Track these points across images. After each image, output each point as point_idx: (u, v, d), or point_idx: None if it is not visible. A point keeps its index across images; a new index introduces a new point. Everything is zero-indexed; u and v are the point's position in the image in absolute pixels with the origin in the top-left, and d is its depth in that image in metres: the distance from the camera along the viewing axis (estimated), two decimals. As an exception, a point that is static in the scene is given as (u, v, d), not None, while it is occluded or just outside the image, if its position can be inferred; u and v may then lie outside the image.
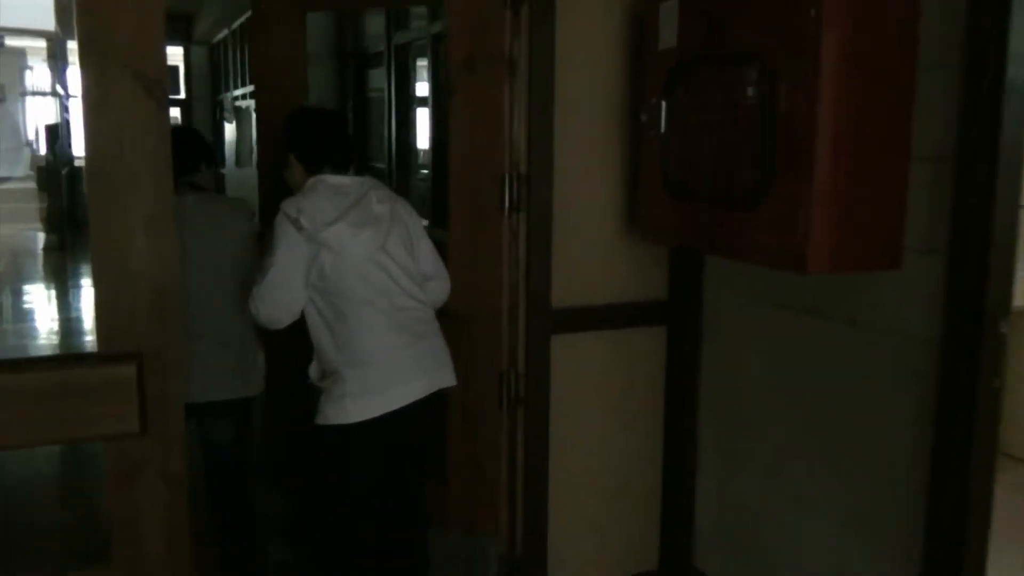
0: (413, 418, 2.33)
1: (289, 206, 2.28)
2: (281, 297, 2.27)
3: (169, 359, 1.82)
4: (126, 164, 1.75)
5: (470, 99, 2.68)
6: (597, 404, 2.83)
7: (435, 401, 2.42)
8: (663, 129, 2.41)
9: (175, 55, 13.48)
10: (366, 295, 2.29)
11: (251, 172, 7.05)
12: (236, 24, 10.13)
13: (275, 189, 2.70)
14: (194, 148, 2.72)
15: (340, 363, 2.28)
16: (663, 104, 2.40)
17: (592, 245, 2.75)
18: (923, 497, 2.01)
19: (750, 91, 2.08)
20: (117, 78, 1.74)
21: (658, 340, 2.88)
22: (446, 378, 2.45)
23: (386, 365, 2.29)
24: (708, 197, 2.27)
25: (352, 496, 2.40)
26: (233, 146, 10.94)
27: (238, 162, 10.52)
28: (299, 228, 2.23)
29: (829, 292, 2.27)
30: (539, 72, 2.58)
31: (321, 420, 2.30)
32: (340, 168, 2.40)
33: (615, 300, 2.79)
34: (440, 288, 2.56)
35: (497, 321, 2.72)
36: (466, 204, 2.76)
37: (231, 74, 11.11)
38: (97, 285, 1.79)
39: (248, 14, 9.08)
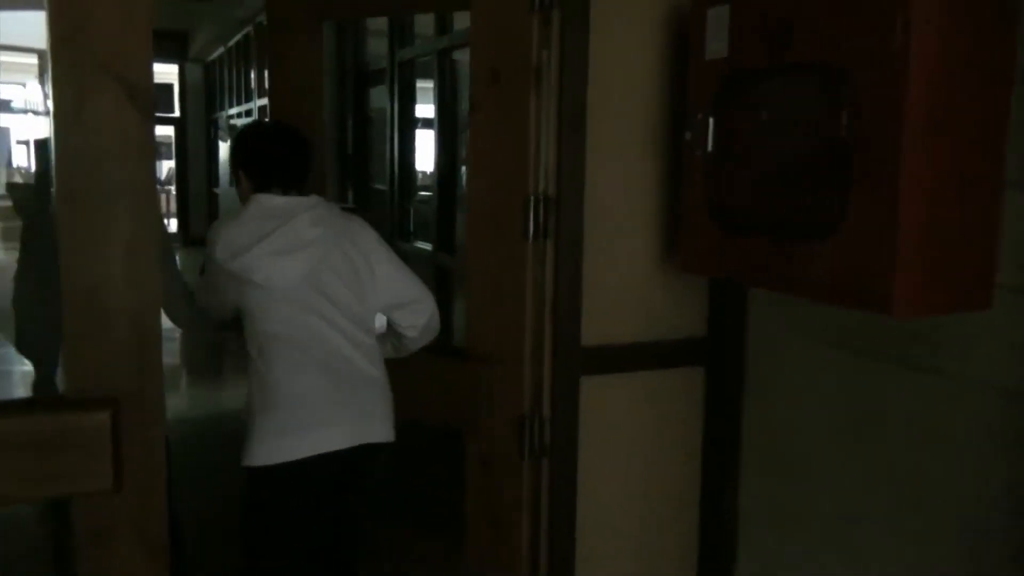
0: (330, 471, 2.13)
1: (210, 230, 2.13)
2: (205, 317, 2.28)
3: (149, 405, 1.55)
4: (104, 183, 1.48)
5: (493, 114, 2.42)
6: (628, 455, 2.55)
7: (367, 457, 2.19)
8: (710, 148, 2.16)
9: (169, 73, 13.27)
10: (290, 335, 2.06)
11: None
12: (232, 42, 9.92)
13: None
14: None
15: (256, 402, 2.08)
16: (710, 121, 2.15)
17: (626, 276, 2.48)
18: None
19: (821, 107, 1.83)
20: (96, 83, 1.47)
21: (695, 383, 2.61)
22: (377, 432, 2.19)
23: (304, 409, 2.07)
24: (764, 224, 2.01)
25: (270, 542, 2.18)
26: (227, 165, 10.73)
27: (232, 181, 10.28)
28: (212, 258, 2.08)
29: (901, 333, 2.01)
30: (570, 85, 2.33)
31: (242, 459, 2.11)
32: (288, 187, 2.14)
33: (650, 338, 2.53)
34: (421, 311, 2.30)
35: (519, 361, 2.44)
36: (486, 230, 2.49)
37: (227, 92, 10.91)
38: (67, 320, 1.52)
39: (246, 30, 8.90)
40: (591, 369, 2.44)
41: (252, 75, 9.03)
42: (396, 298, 2.23)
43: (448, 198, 4.55)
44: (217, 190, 11.71)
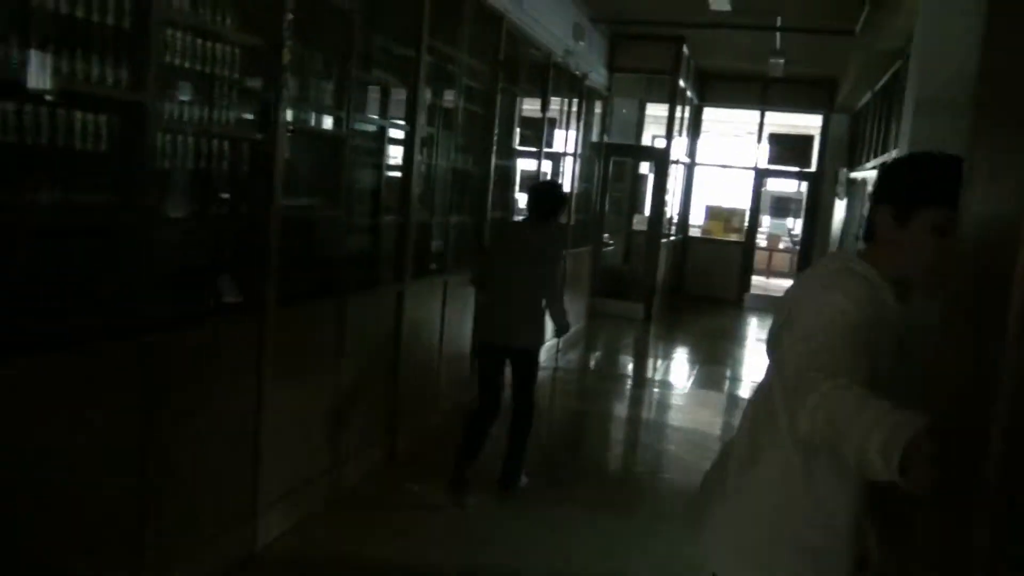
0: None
1: None
2: None
3: None
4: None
5: None
6: None
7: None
8: None
9: (813, 123, 12.36)
10: None
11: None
12: (880, 84, 8.41)
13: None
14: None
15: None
16: None
17: None
18: None
19: None
20: None
21: None
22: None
23: None
24: None
25: None
26: (840, 225, 9.25)
27: (842, 243, 8.76)
28: None
29: None
30: None
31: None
32: None
33: None
34: None
35: None
36: None
37: (868, 145, 9.43)
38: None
39: (895, 67, 7.32)
40: None
41: (895, 123, 7.40)
42: None
43: None
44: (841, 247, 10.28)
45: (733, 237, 12.56)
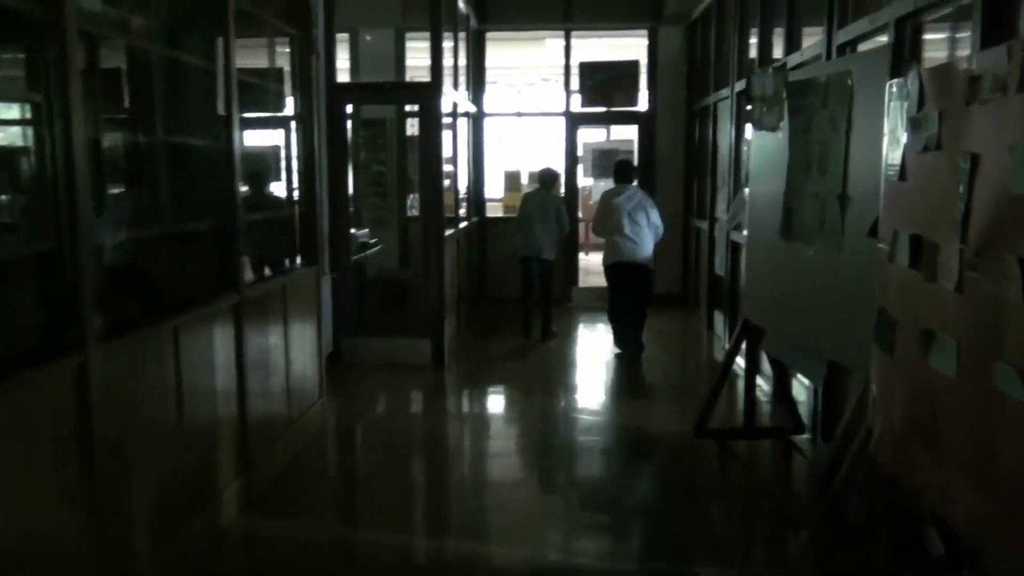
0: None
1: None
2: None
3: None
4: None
5: None
6: None
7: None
8: None
9: (637, 44, 9.01)
10: None
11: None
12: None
13: None
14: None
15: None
16: None
17: None
18: None
19: None
20: None
21: None
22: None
23: None
24: None
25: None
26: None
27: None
28: None
29: None
30: None
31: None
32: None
33: None
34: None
35: None
36: None
37: (721, 63, 6.10)
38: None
39: None
40: None
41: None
42: None
43: None
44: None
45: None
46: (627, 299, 6.51)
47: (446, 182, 7.06)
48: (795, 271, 3.55)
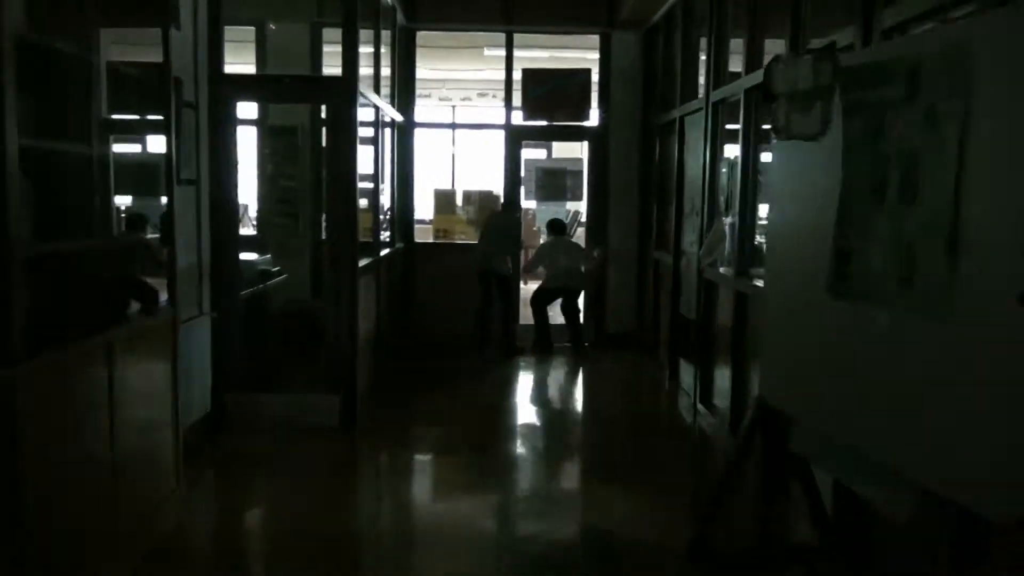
0: None
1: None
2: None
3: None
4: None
5: None
6: None
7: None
8: None
9: (587, 55, 7.96)
10: None
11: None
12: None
13: None
14: None
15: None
16: None
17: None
18: None
19: None
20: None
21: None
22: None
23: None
24: None
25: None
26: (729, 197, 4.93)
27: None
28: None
29: None
30: None
31: None
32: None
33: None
34: None
35: None
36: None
37: (683, 76, 5.08)
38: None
39: None
40: None
41: None
42: None
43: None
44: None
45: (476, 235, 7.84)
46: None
47: (363, 201, 5.85)
48: (854, 344, 2.43)
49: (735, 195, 4.72)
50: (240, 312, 5.00)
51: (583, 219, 12.16)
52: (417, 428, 5.40)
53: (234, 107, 4.96)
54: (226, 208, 4.90)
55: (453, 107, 13.96)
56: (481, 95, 14.18)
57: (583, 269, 7.61)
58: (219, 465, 4.45)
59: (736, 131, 4.83)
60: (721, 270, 5.18)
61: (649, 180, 7.64)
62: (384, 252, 6.62)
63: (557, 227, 7.69)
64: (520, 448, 5.09)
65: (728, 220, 5.13)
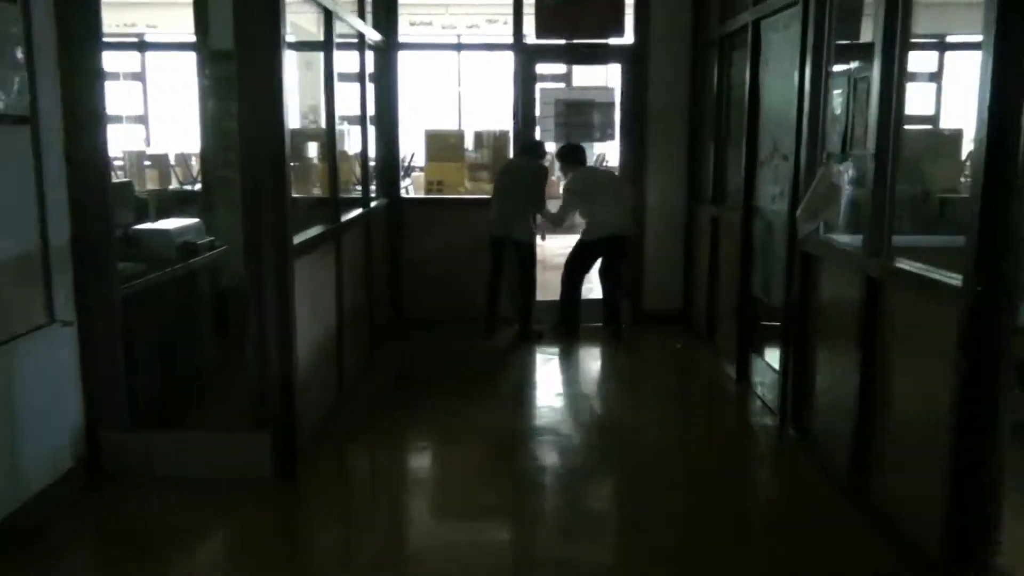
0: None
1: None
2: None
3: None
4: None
5: None
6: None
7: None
8: None
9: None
10: None
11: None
12: None
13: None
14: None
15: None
16: None
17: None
18: None
19: None
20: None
21: None
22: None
23: None
24: None
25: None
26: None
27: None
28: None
29: None
30: None
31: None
32: None
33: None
34: None
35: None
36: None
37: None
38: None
39: None
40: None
41: None
42: None
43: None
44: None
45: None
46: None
47: (314, 145, 4.22)
48: None
49: (870, 127, 3.00)
50: (119, 313, 3.38)
51: (606, 164, 10.40)
52: (391, 475, 3.82)
53: (96, 8, 3.27)
54: (91, 164, 3.27)
55: (458, 36, 12.16)
56: (491, 21, 12.39)
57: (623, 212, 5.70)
58: (73, 552, 2.90)
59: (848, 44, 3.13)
60: (833, 239, 3.51)
61: (702, 113, 5.87)
62: (354, 214, 4.97)
63: (569, 156, 5.82)
64: (531, 500, 3.47)
65: (843, 167, 3.43)
